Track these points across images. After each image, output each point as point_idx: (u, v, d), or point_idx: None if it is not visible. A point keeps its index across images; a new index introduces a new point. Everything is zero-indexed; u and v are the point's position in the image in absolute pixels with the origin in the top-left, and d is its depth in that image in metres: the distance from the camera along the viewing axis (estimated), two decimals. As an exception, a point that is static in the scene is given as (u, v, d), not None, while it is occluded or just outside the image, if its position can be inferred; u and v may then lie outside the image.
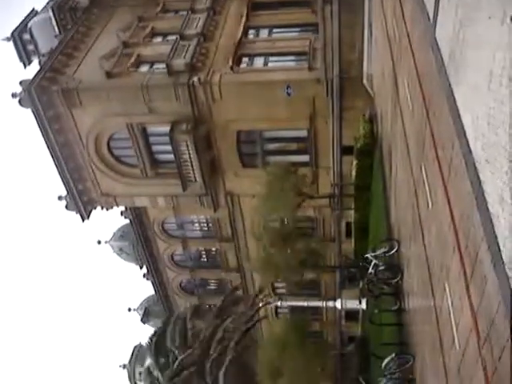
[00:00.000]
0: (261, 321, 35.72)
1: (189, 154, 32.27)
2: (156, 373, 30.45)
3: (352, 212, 33.00)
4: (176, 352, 29.54)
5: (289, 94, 30.53)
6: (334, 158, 32.81)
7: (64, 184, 35.37)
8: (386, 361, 18.15)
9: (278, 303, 33.62)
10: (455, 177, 10.46)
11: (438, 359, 12.60)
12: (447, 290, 11.43)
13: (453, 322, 10.93)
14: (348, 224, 36.24)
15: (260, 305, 31.47)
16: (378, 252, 21.54)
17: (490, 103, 8.09)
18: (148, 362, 32.91)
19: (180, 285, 45.65)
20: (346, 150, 31.75)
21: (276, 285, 41.52)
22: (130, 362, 48.23)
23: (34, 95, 31.59)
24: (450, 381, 11.38)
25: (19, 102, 31.90)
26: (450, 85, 10.59)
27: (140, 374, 44.37)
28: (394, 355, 17.86)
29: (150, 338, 33.23)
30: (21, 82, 32.05)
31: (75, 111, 32.84)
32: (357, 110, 29.94)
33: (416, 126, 15.27)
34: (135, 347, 48.83)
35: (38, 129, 32.86)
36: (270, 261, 27.65)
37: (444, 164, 11.55)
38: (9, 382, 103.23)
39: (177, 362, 28.54)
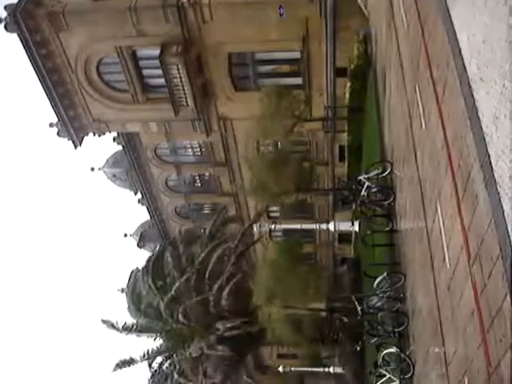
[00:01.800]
0: (255, 244, 36.21)
1: (180, 77, 31.78)
2: (154, 297, 31.01)
3: (345, 135, 32.92)
4: (174, 274, 30.09)
5: (281, 15, 29.81)
6: (327, 80, 32.39)
7: (54, 111, 34.95)
8: (377, 280, 18.59)
9: (272, 227, 33.97)
10: (449, 96, 10.37)
11: (428, 277, 12.89)
12: (439, 210, 11.55)
13: (444, 241, 11.12)
14: (341, 147, 36.23)
15: (254, 228, 31.80)
16: (370, 174, 21.65)
17: (486, 20, 7.92)
18: (145, 285, 33.45)
19: (175, 210, 46.01)
20: (340, 72, 31.31)
21: (270, 209, 41.93)
22: (127, 286, 49.25)
23: (19, 19, 30.73)
24: (440, 298, 11.67)
25: (5, 26, 31.05)
26: (446, 2, 10.32)
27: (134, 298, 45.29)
28: (385, 274, 18.28)
29: (147, 263, 33.70)
30: (5, 7, 31.09)
31: (62, 35, 32.05)
32: (351, 30, 29.32)
33: (411, 46, 15.01)
34: (132, 271, 49.74)
35: (26, 54, 32.15)
36: (263, 184, 27.75)
37: (438, 84, 11.42)
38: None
39: (174, 287, 29.07)
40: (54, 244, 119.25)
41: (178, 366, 29.88)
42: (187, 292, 28.75)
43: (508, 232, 7.11)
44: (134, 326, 30.55)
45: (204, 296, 28.60)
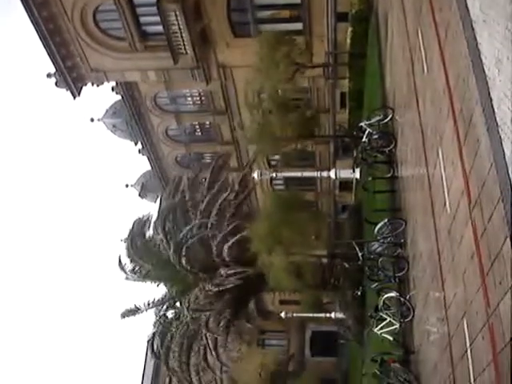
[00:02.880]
0: (253, 191, 36.28)
1: (178, 24, 31.23)
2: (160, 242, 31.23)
3: (346, 81, 32.58)
4: (179, 223, 30.40)
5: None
6: (328, 26, 31.85)
7: (51, 61, 34.47)
8: (378, 226, 18.70)
9: (273, 175, 33.99)
10: (452, 40, 10.22)
11: (429, 223, 12.97)
12: (440, 155, 11.54)
13: (445, 186, 11.15)
14: (342, 94, 35.91)
15: (255, 176, 31.79)
16: (372, 120, 21.51)
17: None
18: (150, 232, 33.68)
19: (175, 159, 45.96)
20: (341, 17, 30.78)
21: (270, 157, 41.86)
22: (129, 235, 49.62)
23: (12, -35, 30.05)
24: (441, 243, 11.78)
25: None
26: None
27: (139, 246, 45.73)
28: (386, 220, 18.37)
29: (156, 212, 33.96)
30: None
31: (57, -18, 31.39)
32: (352, -27, 28.69)
33: (413, -12, 14.73)
34: (135, 221, 50.05)
35: (21, 3, 31.52)
36: (264, 131, 27.64)
37: (441, 27, 11.25)
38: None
39: (181, 235, 29.34)
40: (55, 195, 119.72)
41: (182, 314, 30.40)
42: (191, 240, 29.03)
43: (509, 175, 7.12)
44: (140, 271, 30.95)
45: (207, 246, 28.94)
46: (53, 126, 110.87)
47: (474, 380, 9.03)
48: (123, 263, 31.12)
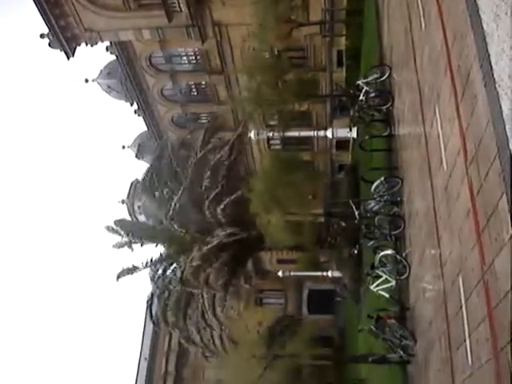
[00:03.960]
0: (251, 149, 36.19)
1: (172, -19, 30.70)
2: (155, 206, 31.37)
3: (343, 39, 32.18)
4: (172, 184, 30.40)
5: None
6: (324, -18, 31.34)
7: (45, 21, 33.87)
8: (375, 184, 18.73)
9: (270, 134, 33.81)
10: (450, -6, 10.08)
11: (425, 180, 12.99)
12: (437, 112, 11.49)
13: (441, 144, 11.13)
14: (339, 52, 35.48)
15: (252, 136, 31.66)
16: (369, 79, 21.32)
17: None
18: (145, 197, 33.81)
19: (172, 119, 45.65)
20: (338, -27, 30.25)
21: (267, 117, 41.60)
22: (128, 197, 49.75)
23: None
24: (437, 200, 11.82)
25: None
26: None
27: (139, 207, 45.91)
28: (383, 179, 18.39)
29: (145, 174, 33.84)
30: None
31: None
32: None
33: None
34: (132, 183, 50.09)
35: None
36: (260, 91, 27.42)
37: (439, -19, 11.08)
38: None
39: (172, 199, 29.36)
40: (51, 158, 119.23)
41: (179, 273, 30.68)
42: (186, 201, 29.09)
43: (506, 132, 7.11)
44: (136, 232, 31.12)
45: (201, 208, 29.00)
46: (47, 88, 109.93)
47: (469, 335, 9.16)
48: (120, 226, 31.21)
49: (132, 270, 30.90)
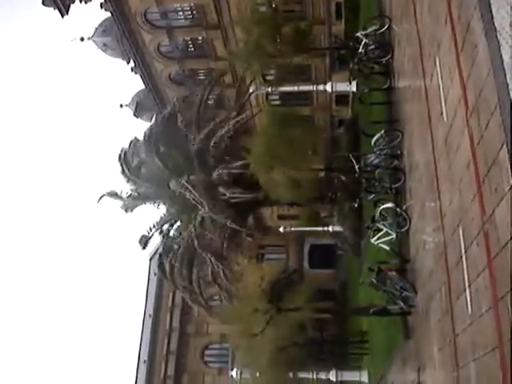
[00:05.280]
0: (251, 110, 35.94)
1: None
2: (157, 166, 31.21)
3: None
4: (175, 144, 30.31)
5: None
6: None
7: (37, -24, 33.33)
8: (375, 138, 18.66)
9: (269, 89, 33.53)
10: None
11: (426, 133, 12.93)
12: (437, 63, 11.37)
13: (442, 95, 11.04)
14: (338, 4, 34.93)
15: (251, 91, 31.41)
16: (368, 30, 21.05)
17: None
18: (143, 155, 33.58)
19: (169, 76, 45.17)
20: None
21: (266, 72, 41.16)
22: (127, 155, 49.54)
23: None
24: (437, 152, 11.79)
25: None
26: None
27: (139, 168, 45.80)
28: (383, 132, 18.32)
29: (147, 133, 33.64)
30: None
31: None
32: None
33: None
34: (131, 141, 49.84)
35: None
36: (258, 46, 27.03)
37: None
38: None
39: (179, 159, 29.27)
40: (49, 117, 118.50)
41: (183, 232, 30.88)
42: (189, 163, 29.07)
43: (507, 81, 7.03)
44: (138, 193, 31.15)
45: (204, 167, 28.97)
46: (43, 48, 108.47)
47: (469, 285, 9.26)
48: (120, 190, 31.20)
49: (148, 238, 31.09)
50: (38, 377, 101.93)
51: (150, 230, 31.55)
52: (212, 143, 29.14)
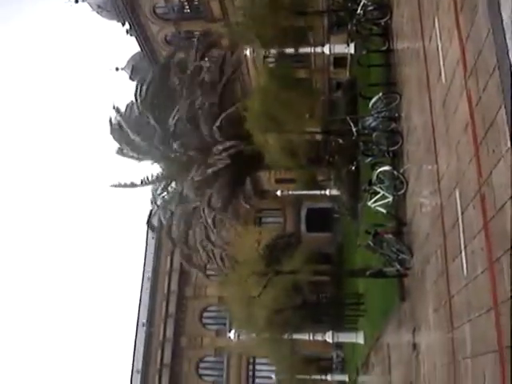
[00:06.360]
0: (247, 68, 35.58)
1: None
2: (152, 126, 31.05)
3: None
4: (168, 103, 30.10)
5: None
6: None
7: None
8: (373, 100, 18.52)
9: (266, 51, 33.12)
10: None
11: (424, 95, 12.84)
12: (437, 24, 11.22)
13: (440, 57, 10.92)
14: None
15: (247, 53, 31.04)
16: (367, -10, 20.69)
17: None
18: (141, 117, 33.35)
19: (165, 38, 44.62)
20: None
21: (263, 34, 40.63)
22: (123, 118, 49.31)
23: None
24: (435, 115, 11.72)
25: None
26: None
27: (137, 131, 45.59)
28: (381, 94, 18.17)
29: (142, 94, 33.37)
30: None
31: None
32: None
33: None
34: (127, 105, 49.53)
35: None
36: (255, 7, 26.69)
37: None
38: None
39: (170, 119, 29.08)
40: (43, 80, 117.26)
41: (179, 192, 30.89)
42: (183, 120, 28.91)
43: (506, 41, 6.94)
44: (135, 146, 31.04)
45: (198, 126, 28.80)
46: (36, 10, 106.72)
47: (465, 247, 9.30)
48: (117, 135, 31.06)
49: (130, 185, 31.04)
50: (35, 343, 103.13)
51: (143, 182, 31.48)
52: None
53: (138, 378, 46.08)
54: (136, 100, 31.44)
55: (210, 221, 30.01)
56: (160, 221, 31.93)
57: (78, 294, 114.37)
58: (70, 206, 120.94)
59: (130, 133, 30.55)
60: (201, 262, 32.41)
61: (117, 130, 31.39)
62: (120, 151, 31.32)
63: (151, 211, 31.99)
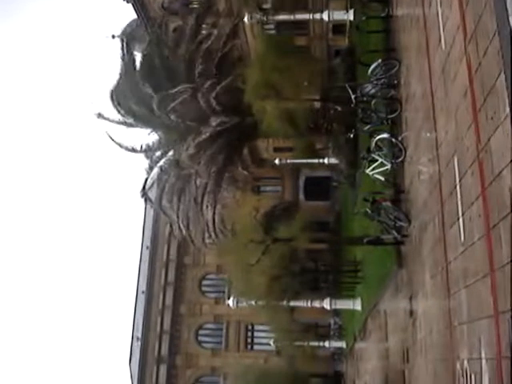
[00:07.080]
0: (245, 36, 35.18)
1: None
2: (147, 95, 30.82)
3: None
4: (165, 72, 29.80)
5: None
6: None
7: None
8: (372, 67, 18.36)
9: (264, 18, 32.67)
10: None
11: (423, 61, 12.74)
12: (437, -11, 11.08)
13: (440, 23, 10.82)
14: None
15: (245, 21, 30.64)
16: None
17: None
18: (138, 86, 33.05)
19: (162, 5, 44.03)
20: None
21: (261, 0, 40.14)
22: (118, 86, 48.83)
23: None
24: (434, 82, 11.65)
25: None
26: None
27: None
28: (380, 61, 18.01)
29: (139, 63, 33.06)
30: None
31: None
32: None
33: None
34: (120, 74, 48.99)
35: None
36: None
37: None
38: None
39: (168, 89, 28.85)
40: (40, 51, 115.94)
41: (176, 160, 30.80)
42: (180, 89, 28.68)
43: (506, 6, 6.86)
44: (130, 114, 30.87)
45: (196, 96, 28.57)
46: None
47: (463, 214, 9.33)
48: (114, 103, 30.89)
49: (131, 149, 31.01)
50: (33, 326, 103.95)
51: (142, 148, 31.44)
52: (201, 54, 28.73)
53: (137, 344, 46.60)
54: (134, 69, 31.18)
55: (205, 187, 29.91)
56: (157, 188, 31.96)
57: (78, 265, 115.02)
58: (70, 174, 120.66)
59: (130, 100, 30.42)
60: (197, 231, 32.36)
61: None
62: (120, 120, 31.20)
63: (146, 179, 31.91)
